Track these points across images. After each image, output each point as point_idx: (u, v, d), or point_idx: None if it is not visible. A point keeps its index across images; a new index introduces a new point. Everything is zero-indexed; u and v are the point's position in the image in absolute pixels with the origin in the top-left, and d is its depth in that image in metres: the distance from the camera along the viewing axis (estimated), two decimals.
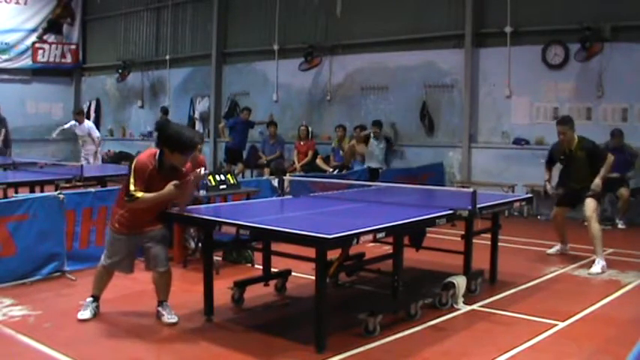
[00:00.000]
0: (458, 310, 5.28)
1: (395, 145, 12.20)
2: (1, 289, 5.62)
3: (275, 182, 8.12)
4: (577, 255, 7.41)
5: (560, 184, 7.36)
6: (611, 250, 7.54)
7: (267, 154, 13.21)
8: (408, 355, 4.33)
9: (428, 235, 6.16)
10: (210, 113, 15.36)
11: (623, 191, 9.41)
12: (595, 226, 6.82)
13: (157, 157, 4.73)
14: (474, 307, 5.40)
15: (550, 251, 7.60)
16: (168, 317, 4.89)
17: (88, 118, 15.90)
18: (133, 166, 4.70)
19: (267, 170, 12.51)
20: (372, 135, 11.83)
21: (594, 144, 7.21)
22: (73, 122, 12.79)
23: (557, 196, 7.50)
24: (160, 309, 4.96)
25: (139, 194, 4.60)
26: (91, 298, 5.04)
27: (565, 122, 7.15)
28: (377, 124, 11.89)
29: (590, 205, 6.90)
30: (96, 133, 12.80)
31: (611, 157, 7.04)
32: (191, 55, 15.86)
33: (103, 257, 5.01)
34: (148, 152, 4.84)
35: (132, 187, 4.61)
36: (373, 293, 5.86)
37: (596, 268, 6.66)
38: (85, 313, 4.94)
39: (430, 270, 6.43)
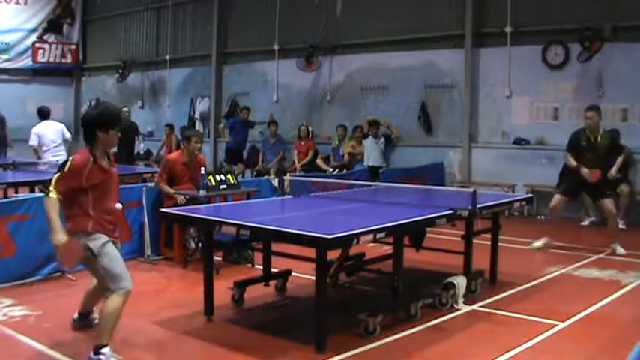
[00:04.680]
0: (458, 310, 5.28)
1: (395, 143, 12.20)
2: (1, 289, 5.63)
3: (275, 182, 8.14)
4: (577, 255, 7.41)
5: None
6: (611, 250, 7.55)
7: (269, 155, 13.21)
8: (408, 355, 4.33)
9: (428, 235, 6.17)
10: (210, 113, 15.34)
11: (624, 188, 9.38)
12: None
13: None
14: (474, 307, 5.40)
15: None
16: None
17: None
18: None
19: (272, 171, 12.47)
20: (369, 134, 11.84)
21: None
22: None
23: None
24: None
25: None
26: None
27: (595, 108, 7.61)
28: (374, 123, 11.89)
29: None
30: (68, 134, 10.02)
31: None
32: (191, 55, 15.83)
33: (124, 282, 4.07)
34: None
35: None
36: (373, 293, 5.85)
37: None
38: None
39: (430, 270, 6.43)
